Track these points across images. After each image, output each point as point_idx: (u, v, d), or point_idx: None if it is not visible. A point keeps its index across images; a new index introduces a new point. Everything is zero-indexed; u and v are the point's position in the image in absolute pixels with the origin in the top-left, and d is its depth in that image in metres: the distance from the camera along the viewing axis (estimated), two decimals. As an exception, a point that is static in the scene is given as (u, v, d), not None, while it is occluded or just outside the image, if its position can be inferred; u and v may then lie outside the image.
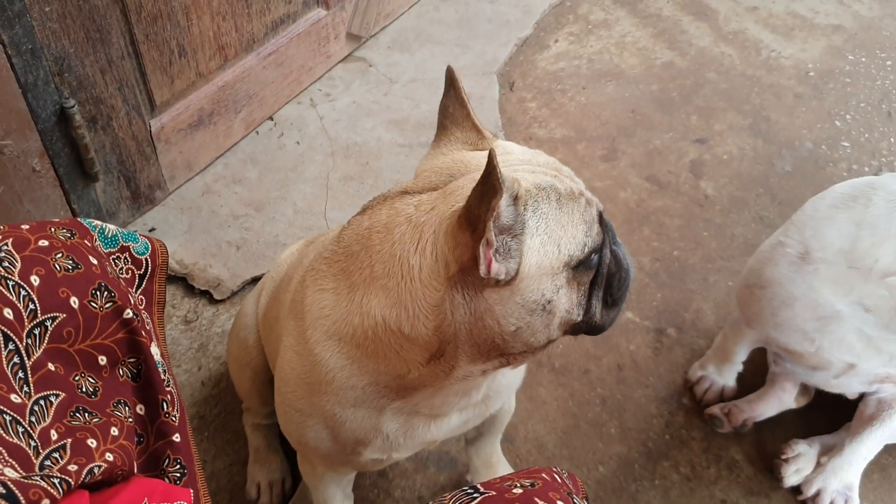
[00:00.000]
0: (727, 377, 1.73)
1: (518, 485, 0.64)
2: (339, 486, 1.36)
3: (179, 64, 1.98)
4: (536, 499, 0.61)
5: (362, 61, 2.58)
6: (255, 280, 1.93)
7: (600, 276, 1.00)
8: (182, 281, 1.93)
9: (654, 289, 1.96)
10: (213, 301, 1.90)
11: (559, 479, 0.70)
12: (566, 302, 0.96)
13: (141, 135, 1.95)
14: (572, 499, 0.65)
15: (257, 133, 2.31)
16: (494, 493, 0.62)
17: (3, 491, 0.60)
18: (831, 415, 1.69)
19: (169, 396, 0.87)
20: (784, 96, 2.57)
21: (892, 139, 2.41)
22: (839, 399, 1.62)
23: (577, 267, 0.95)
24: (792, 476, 1.58)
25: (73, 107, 1.75)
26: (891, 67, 2.69)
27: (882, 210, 1.31)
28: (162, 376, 0.87)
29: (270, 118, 2.35)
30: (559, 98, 2.53)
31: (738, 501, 1.59)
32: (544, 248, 0.92)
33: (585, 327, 1.02)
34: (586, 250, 0.95)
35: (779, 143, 2.40)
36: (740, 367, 1.72)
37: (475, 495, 0.63)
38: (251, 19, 2.12)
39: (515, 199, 0.88)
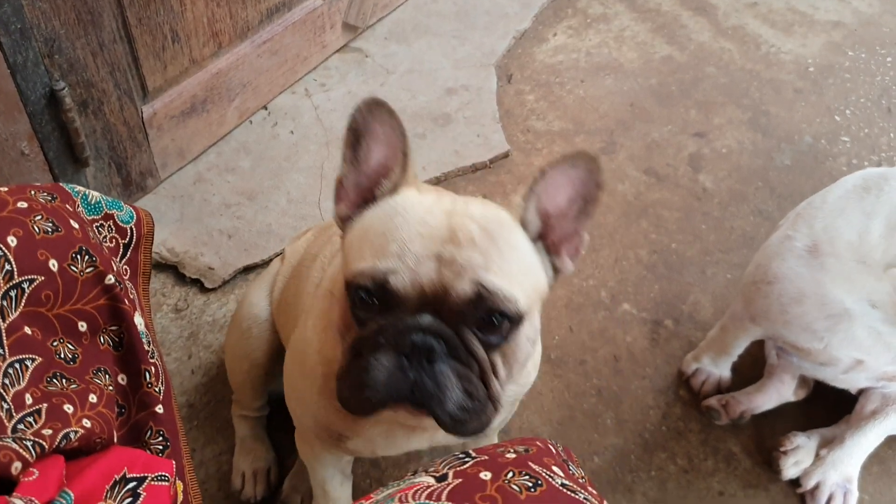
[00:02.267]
0: (722, 368, 1.70)
1: (511, 450, 0.62)
2: (336, 466, 1.33)
3: (172, 49, 1.95)
4: (531, 463, 0.59)
5: (358, 52, 2.55)
6: (248, 269, 1.91)
7: (357, 338, 0.90)
8: (173, 269, 1.90)
9: (652, 281, 1.93)
10: (204, 290, 1.87)
11: (553, 450, 0.68)
12: (336, 313, 0.96)
13: (133, 121, 1.92)
14: (568, 466, 0.62)
15: (251, 122, 2.28)
16: (487, 457, 0.60)
17: None
18: (830, 407, 1.67)
19: (153, 368, 0.84)
20: (783, 91, 2.55)
21: (891, 134, 2.39)
22: (838, 392, 1.60)
23: (348, 288, 0.90)
24: (791, 468, 1.56)
25: (64, 89, 1.72)
26: (890, 63, 2.68)
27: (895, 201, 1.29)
28: (146, 347, 0.84)
29: (264, 107, 2.33)
30: (557, 91, 2.51)
31: (736, 493, 1.56)
32: (354, 234, 0.96)
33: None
34: (353, 279, 0.88)
35: (778, 137, 2.37)
36: (735, 358, 1.69)
37: (467, 459, 0.60)
38: (246, 6, 2.10)
39: None
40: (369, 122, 0.95)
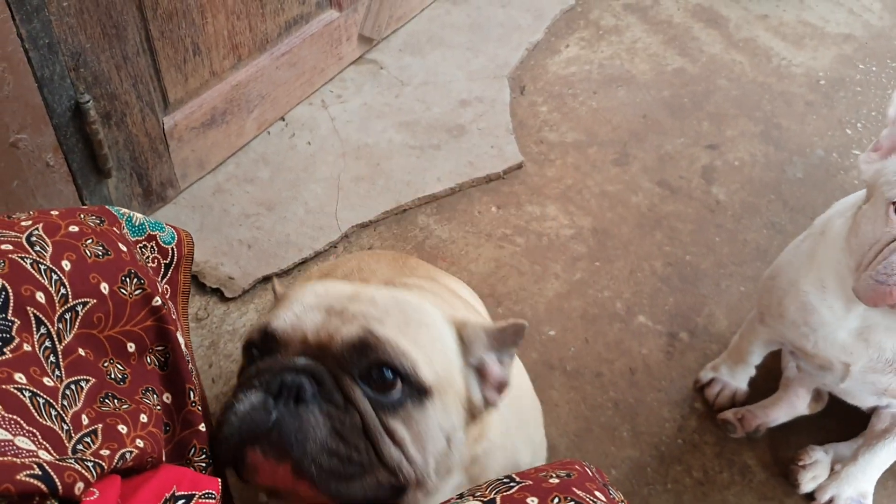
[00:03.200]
0: (740, 380, 1.72)
1: (554, 475, 0.64)
2: None
3: (194, 62, 1.98)
4: (574, 488, 0.61)
5: (374, 63, 2.58)
6: (267, 279, 1.93)
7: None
8: (193, 278, 1.93)
9: (667, 293, 1.95)
10: (224, 299, 1.90)
11: (590, 472, 0.70)
12: None
13: (154, 132, 1.95)
14: (609, 490, 0.64)
15: (269, 133, 2.31)
16: (531, 482, 0.62)
17: (39, 472, 0.60)
18: (845, 422, 1.69)
19: (195, 386, 0.87)
20: (795, 104, 2.57)
21: (903, 148, 2.41)
22: (853, 408, 1.62)
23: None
24: (808, 483, 1.58)
25: (88, 102, 1.75)
26: (901, 77, 2.70)
27: None
28: (188, 366, 0.87)
29: (282, 118, 2.35)
30: (570, 102, 2.53)
31: (752, 506, 1.58)
32: None
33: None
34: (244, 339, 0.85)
35: (790, 150, 2.40)
36: (753, 371, 1.71)
37: (512, 485, 0.62)
38: (265, 19, 2.12)
39: None
40: None
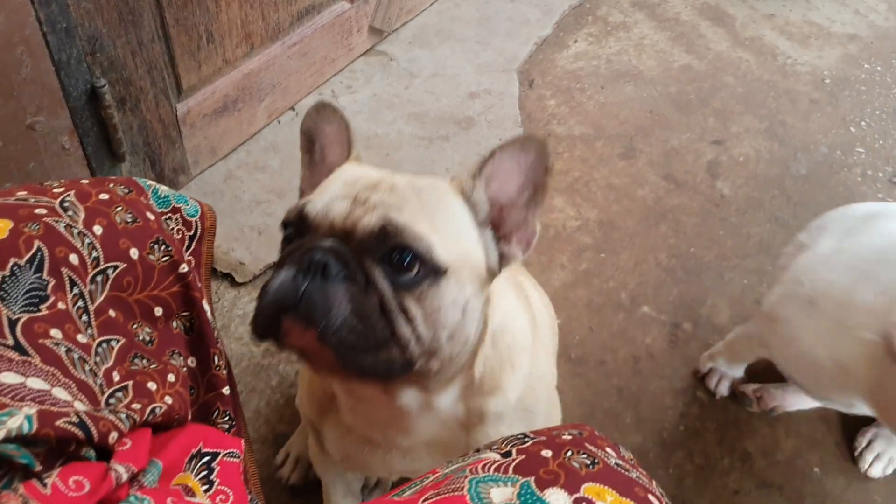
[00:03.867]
0: (736, 370, 1.75)
1: (567, 433, 0.67)
2: (337, 475, 1.37)
3: (207, 50, 2.00)
4: (586, 444, 0.64)
5: (383, 55, 2.61)
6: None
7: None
8: (204, 263, 1.95)
9: (671, 284, 1.98)
10: (234, 284, 1.93)
11: (598, 434, 0.73)
12: None
13: (167, 118, 1.98)
14: (619, 448, 0.67)
15: (279, 122, 2.34)
16: (545, 438, 0.65)
17: (77, 420, 0.62)
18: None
19: (219, 351, 0.90)
20: (800, 102, 2.60)
21: (906, 146, 2.44)
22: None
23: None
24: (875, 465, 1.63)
25: (104, 87, 1.77)
26: (906, 76, 2.73)
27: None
28: (213, 332, 0.90)
29: (292, 108, 2.38)
30: (578, 96, 2.56)
31: (751, 492, 1.61)
32: None
33: None
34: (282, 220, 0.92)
35: (794, 146, 2.42)
36: (751, 360, 1.74)
37: (526, 440, 0.65)
38: (278, 9, 2.15)
39: None
40: (319, 124, 1.02)
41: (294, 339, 0.83)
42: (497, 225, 0.95)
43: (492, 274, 0.95)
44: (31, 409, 0.61)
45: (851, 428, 1.71)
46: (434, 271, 0.85)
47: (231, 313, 1.87)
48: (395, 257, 0.83)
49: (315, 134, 1.02)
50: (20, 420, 0.59)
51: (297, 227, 0.88)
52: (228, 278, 1.93)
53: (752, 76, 2.70)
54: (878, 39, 2.91)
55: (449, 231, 0.88)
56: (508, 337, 1.03)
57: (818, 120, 2.53)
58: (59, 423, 0.61)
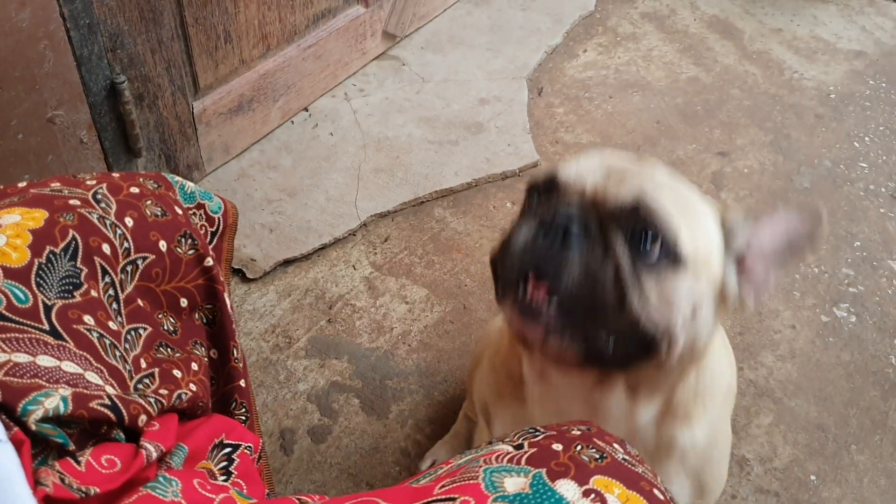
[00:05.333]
0: None
1: (575, 429, 0.70)
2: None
3: (224, 49, 2.04)
4: (595, 439, 0.67)
5: (396, 60, 2.64)
6: (287, 262, 1.99)
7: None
8: (215, 259, 1.99)
9: (673, 292, 2.01)
10: (245, 280, 1.96)
11: (604, 430, 0.76)
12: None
13: (184, 115, 2.01)
14: (626, 445, 0.70)
15: (292, 123, 2.37)
16: (555, 433, 0.68)
17: (109, 403, 0.66)
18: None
19: (237, 344, 0.93)
20: (805, 116, 2.63)
21: (909, 163, 2.47)
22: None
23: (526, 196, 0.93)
24: None
25: (123, 83, 1.81)
26: (910, 94, 2.76)
27: None
28: (233, 325, 0.93)
29: (306, 109, 2.42)
30: (586, 105, 2.59)
31: (748, 497, 1.64)
32: None
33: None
34: (528, 183, 0.91)
35: (798, 160, 2.46)
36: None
37: (537, 434, 0.68)
38: (294, 11, 2.19)
39: None
40: None
41: (532, 296, 0.82)
42: (741, 266, 0.93)
43: (724, 298, 0.93)
44: (67, 391, 0.64)
45: (849, 438, 1.74)
46: (674, 259, 0.84)
47: (241, 308, 1.90)
48: (640, 235, 0.82)
49: None
50: (56, 401, 0.63)
51: (545, 190, 0.87)
52: (239, 274, 1.97)
53: (759, 89, 2.73)
54: (883, 56, 2.94)
55: (696, 232, 0.87)
56: (708, 374, 1.01)
57: (823, 134, 2.56)
58: (93, 404, 0.64)
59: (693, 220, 0.88)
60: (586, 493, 0.59)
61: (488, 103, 2.53)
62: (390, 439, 1.68)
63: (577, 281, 0.80)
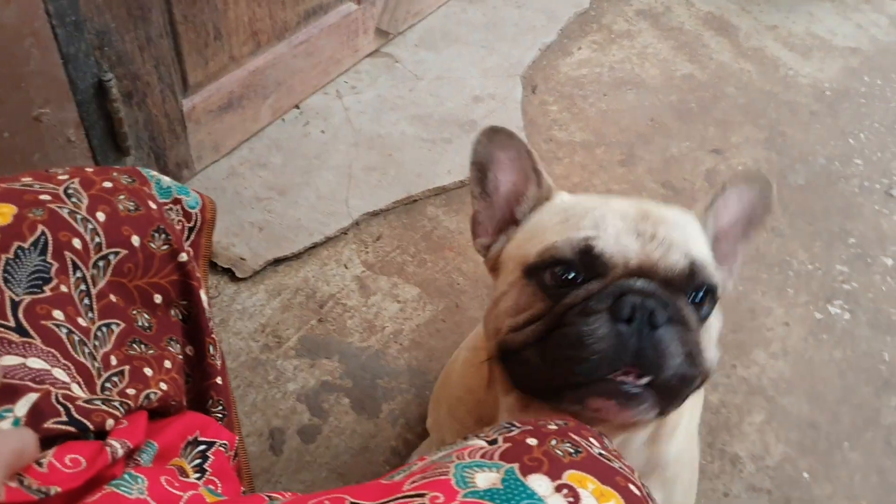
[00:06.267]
0: None
1: (553, 423, 0.68)
2: None
3: (214, 46, 2.02)
4: (571, 433, 0.65)
5: (389, 57, 2.63)
6: (277, 261, 1.98)
7: (555, 310, 0.82)
8: (205, 258, 1.97)
9: (666, 290, 2.00)
10: (234, 279, 1.95)
11: (582, 424, 0.75)
12: (506, 303, 0.88)
13: (173, 113, 2.00)
14: (603, 439, 0.69)
15: (283, 120, 2.36)
16: (531, 427, 0.66)
17: (66, 419, 0.64)
18: (835, 418, 1.72)
19: (213, 341, 0.92)
20: (800, 113, 2.62)
21: (904, 159, 2.46)
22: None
23: (532, 272, 0.86)
24: None
25: (111, 80, 1.79)
26: (906, 91, 2.75)
27: None
28: (209, 322, 0.92)
29: (297, 106, 2.40)
30: (580, 103, 2.58)
31: (740, 495, 1.62)
32: (518, 238, 0.94)
33: (508, 354, 0.87)
34: (543, 256, 0.84)
35: (793, 157, 2.44)
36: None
37: (513, 429, 0.67)
38: (285, 8, 2.17)
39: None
40: (491, 152, 0.92)
41: (622, 383, 0.78)
42: (713, 250, 0.94)
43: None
44: (24, 409, 0.63)
45: (841, 435, 1.73)
46: (715, 301, 0.85)
47: (230, 308, 1.89)
48: (698, 294, 0.82)
49: (488, 163, 0.93)
50: (7, 425, 0.61)
51: (583, 266, 0.81)
52: (228, 273, 1.95)
53: (754, 87, 2.72)
54: (879, 53, 2.93)
55: (709, 257, 0.88)
56: None
57: (817, 131, 2.55)
58: (48, 424, 0.63)
59: (706, 250, 0.88)
60: (559, 488, 0.58)
61: (482, 101, 2.51)
62: (381, 438, 1.67)
63: (672, 360, 0.78)
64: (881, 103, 2.69)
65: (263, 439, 1.65)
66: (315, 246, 2.03)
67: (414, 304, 1.93)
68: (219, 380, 0.91)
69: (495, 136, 0.92)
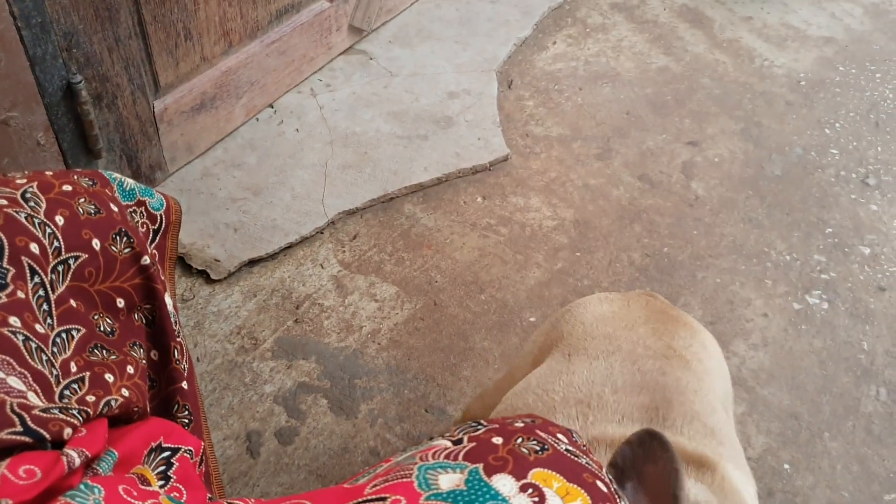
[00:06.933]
0: None
1: (520, 421, 0.67)
2: None
3: (185, 47, 2.00)
4: (538, 431, 0.64)
5: (363, 54, 2.62)
6: (253, 262, 1.96)
7: None
8: (179, 260, 1.95)
9: (644, 283, 2.00)
10: (209, 281, 1.93)
11: (550, 421, 0.74)
12: None
13: (144, 115, 1.98)
14: (572, 434, 0.68)
15: (257, 120, 2.34)
16: (498, 426, 0.65)
17: (21, 429, 0.62)
18: (814, 408, 1.72)
19: (179, 345, 0.90)
20: (775, 103, 2.62)
21: (879, 148, 2.47)
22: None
23: None
24: None
25: (80, 83, 1.77)
26: (879, 80, 2.75)
27: None
28: (173, 326, 0.90)
29: (271, 105, 2.38)
30: (556, 98, 2.57)
31: (721, 488, 1.62)
32: None
33: None
34: None
35: (769, 147, 2.45)
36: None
37: (479, 427, 0.66)
38: (256, 6, 2.15)
39: None
40: (640, 465, 0.71)
41: None
42: None
43: None
44: None
45: (822, 425, 1.73)
46: None
47: (205, 310, 1.87)
48: None
49: (629, 473, 0.71)
50: None
51: None
52: (203, 275, 1.93)
53: (729, 78, 2.72)
54: (853, 43, 2.94)
55: None
56: None
57: (793, 121, 2.56)
58: (2, 435, 0.61)
59: None
60: (524, 488, 0.57)
61: (458, 97, 2.50)
62: (360, 439, 1.65)
63: None
64: (856, 92, 2.70)
65: (240, 442, 1.63)
66: (291, 246, 2.01)
67: (392, 303, 1.91)
68: (185, 384, 0.89)
69: (650, 442, 0.70)
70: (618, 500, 0.61)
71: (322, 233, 2.06)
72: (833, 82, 2.74)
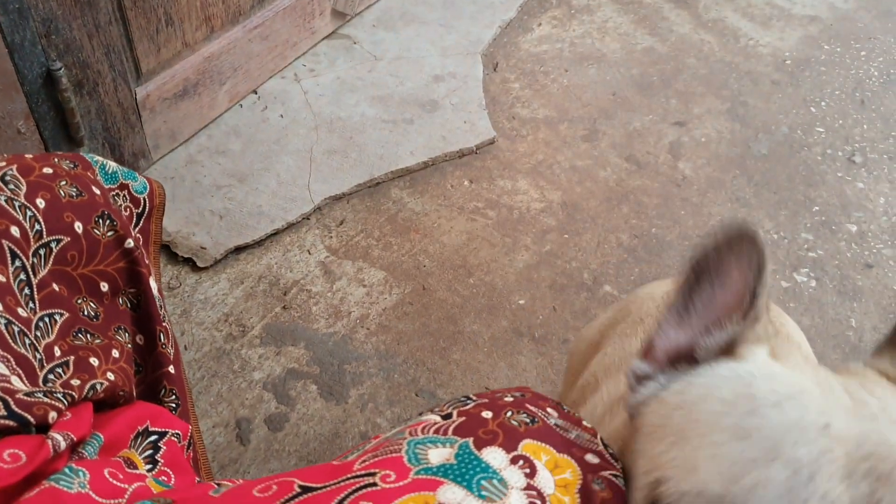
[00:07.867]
0: None
1: (509, 395, 0.67)
2: None
3: (166, 32, 1.98)
4: (527, 404, 0.64)
5: (347, 38, 2.60)
6: (239, 249, 1.94)
7: None
8: (165, 248, 1.94)
9: (632, 264, 2.00)
10: (196, 268, 1.91)
11: (540, 394, 0.73)
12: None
13: (126, 102, 1.96)
14: (562, 406, 0.68)
15: (241, 106, 2.32)
16: (487, 400, 0.65)
17: (5, 412, 0.61)
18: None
19: (165, 330, 0.89)
20: (761, 83, 2.62)
21: (864, 126, 2.47)
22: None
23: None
24: None
25: (60, 70, 1.75)
26: (864, 57, 2.76)
27: None
28: (159, 310, 0.89)
29: (254, 91, 2.36)
30: (542, 79, 2.56)
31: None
32: (671, 402, 0.66)
33: None
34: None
35: (755, 127, 2.45)
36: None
37: (468, 402, 0.65)
38: (238, -9, 2.13)
39: None
40: (725, 260, 0.65)
41: None
42: None
43: None
44: None
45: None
46: None
47: (192, 298, 1.85)
48: None
49: (715, 273, 0.66)
50: None
51: None
52: (189, 263, 1.92)
53: (715, 58, 2.72)
54: (837, 21, 2.94)
55: None
56: None
57: (779, 101, 2.55)
58: None
59: None
60: (514, 460, 0.56)
61: (443, 80, 2.49)
62: (350, 424, 1.65)
63: None
64: (841, 70, 2.70)
65: (230, 429, 1.62)
66: (277, 232, 2.00)
67: (380, 288, 1.90)
68: (171, 369, 0.88)
69: (739, 243, 0.64)
70: (614, 466, 0.60)
71: (308, 219, 2.05)
72: (818, 61, 2.74)
